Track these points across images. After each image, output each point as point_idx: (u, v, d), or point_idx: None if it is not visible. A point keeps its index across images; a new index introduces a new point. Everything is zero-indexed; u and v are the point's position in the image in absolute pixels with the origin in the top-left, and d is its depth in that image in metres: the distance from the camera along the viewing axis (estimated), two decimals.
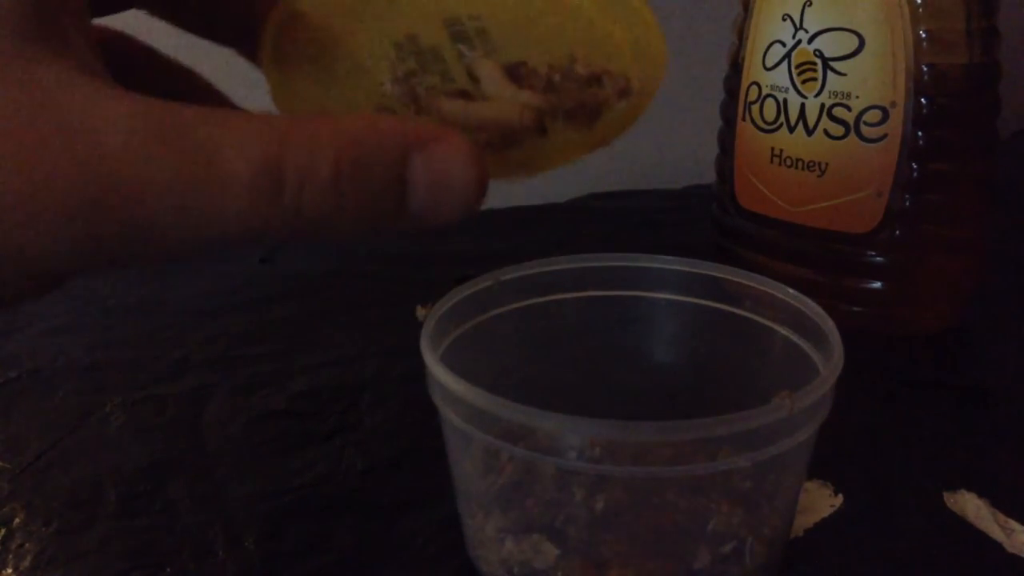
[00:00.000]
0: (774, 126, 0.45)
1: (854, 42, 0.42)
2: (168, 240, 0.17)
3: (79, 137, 0.17)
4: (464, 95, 0.23)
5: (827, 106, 0.43)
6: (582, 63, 0.24)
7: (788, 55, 0.44)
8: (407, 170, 0.18)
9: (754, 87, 0.46)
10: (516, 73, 0.24)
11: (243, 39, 0.24)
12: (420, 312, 0.47)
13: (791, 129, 0.45)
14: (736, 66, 0.48)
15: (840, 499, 0.32)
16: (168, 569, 0.29)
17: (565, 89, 0.24)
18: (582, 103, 0.24)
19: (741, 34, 0.47)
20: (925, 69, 0.41)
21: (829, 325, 0.28)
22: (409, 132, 0.18)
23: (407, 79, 0.23)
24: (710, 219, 0.53)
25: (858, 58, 0.42)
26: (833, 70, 0.43)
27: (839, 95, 0.43)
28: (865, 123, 0.42)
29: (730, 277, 0.32)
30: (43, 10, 0.18)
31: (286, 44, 0.23)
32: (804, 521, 0.31)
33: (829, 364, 0.27)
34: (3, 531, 0.31)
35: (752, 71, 0.46)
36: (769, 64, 0.45)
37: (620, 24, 0.25)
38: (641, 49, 0.25)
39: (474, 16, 0.24)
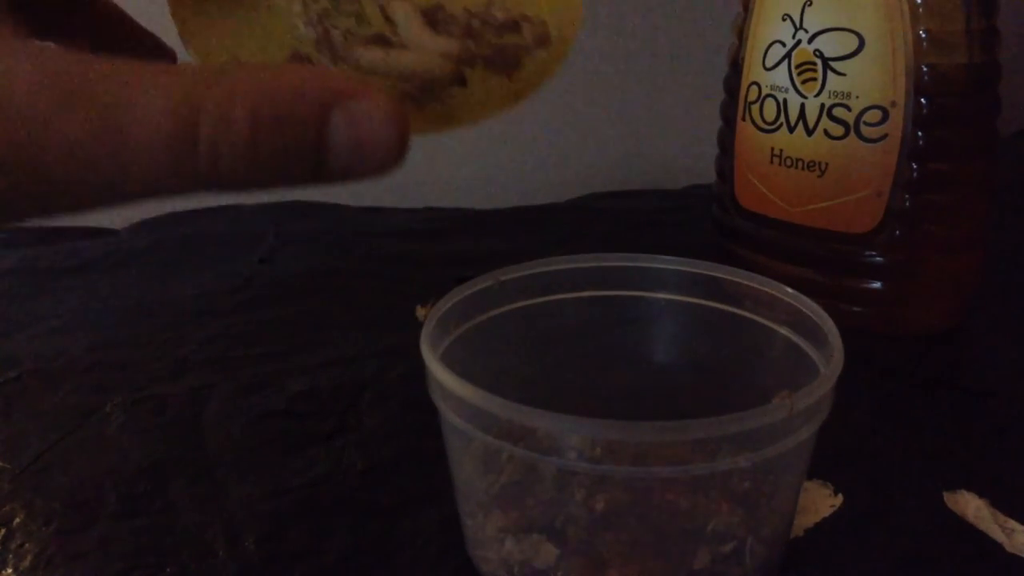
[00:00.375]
0: (774, 126, 0.45)
1: (854, 42, 0.42)
2: (79, 196, 0.17)
3: None
4: (381, 41, 0.23)
5: (827, 106, 0.43)
6: (499, 7, 0.24)
7: (788, 55, 0.44)
8: (326, 127, 0.17)
9: (754, 87, 0.46)
10: (433, 18, 0.23)
11: None
12: (420, 312, 0.47)
13: (791, 129, 0.45)
14: (736, 66, 0.48)
15: (840, 499, 0.32)
16: (168, 569, 0.29)
17: (483, 35, 0.23)
18: (501, 50, 0.23)
19: (741, 34, 0.47)
20: (925, 69, 0.41)
21: (829, 325, 0.28)
22: (329, 86, 0.17)
23: (320, 20, 0.23)
24: (710, 219, 0.53)
25: (858, 58, 0.42)
26: (833, 70, 0.43)
27: (839, 95, 0.43)
28: (865, 123, 0.42)
29: (730, 277, 0.32)
30: None
31: None
32: (804, 521, 0.31)
33: (829, 364, 0.27)
34: (3, 531, 0.31)
35: (752, 71, 0.46)
36: (769, 64, 0.45)
37: None
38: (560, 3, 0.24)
39: None
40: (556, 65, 0.24)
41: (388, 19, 0.23)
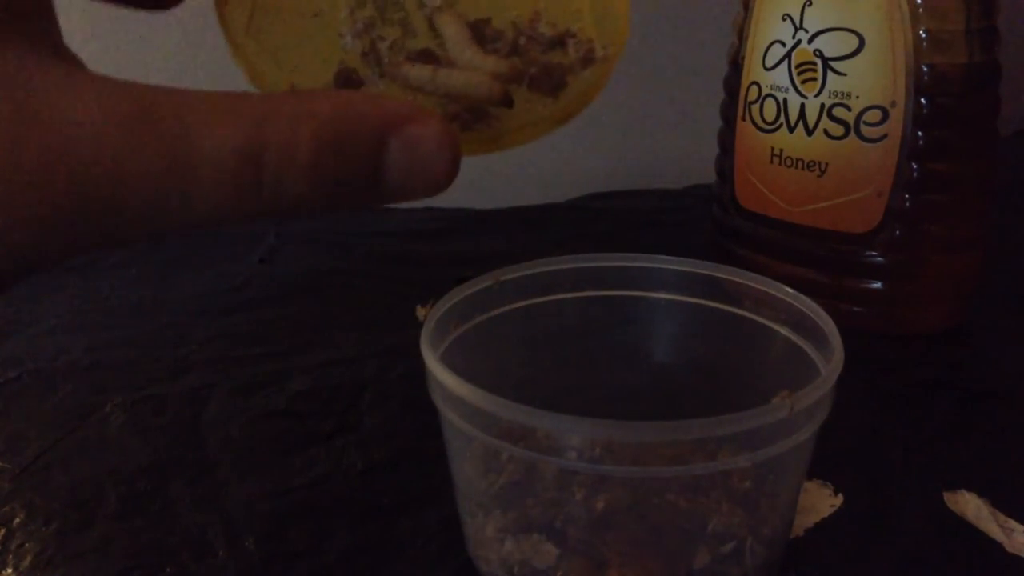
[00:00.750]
0: (774, 126, 0.45)
1: (854, 42, 0.42)
2: (144, 224, 0.17)
3: (49, 126, 0.16)
4: (429, 57, 0.23)
5: (827, 106, 0.43)
6: (546, 22, 0.24)
7: (788, 55, 0.44)
8: (384, 153, 0.18)
9: (754, 87, 0.46)
10: (480, 32, 0.23)
11: None
12: (420, 312, 0.47)
13: (791, 129, 0.45)
14: (736, 66, 0.48)
15: (840, 499, 0.32)
16: (168, 569, 0.29)
17: (529, 52, 0.23)
18: (547, 70, 0.23)
19: (741, 34, 0.47)
20: (925, 69, 0.41)
21: (829, 325, 0.28)
22: (386, 113, 0.18)
23: (367, 30, 0.23)
24: (710, 219, 0.53)
25: (858, 58, 0.42)
26: (833, 70, 0.43)
27: (839, 95, 0.43)
28: (865, 123, 0.42)
29: (730, 277, 0.32)
30: None
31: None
32: (804, 521, 0.31)
33: (829, 364, 0.27)
34: (3, 531, 0.31)
35: (752, 71, 0.46)
36: (769, 64, 0.45)
37: None
38: (604, 11, 0.24)
39: None
40: (600, 86, 0.24)
41: (435, 32, 0.23)
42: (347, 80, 0.23)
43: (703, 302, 0.33)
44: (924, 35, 0.41)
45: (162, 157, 0.16)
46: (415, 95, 0.23)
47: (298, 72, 0.23)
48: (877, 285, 0.44)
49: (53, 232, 0.16)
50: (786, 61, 0.44)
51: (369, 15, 0.23)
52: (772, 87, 0.45)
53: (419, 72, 0.23)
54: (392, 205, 0.19)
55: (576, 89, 0.24)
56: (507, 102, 0.23)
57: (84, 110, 0.16)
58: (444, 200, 0.73)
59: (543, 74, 0.23)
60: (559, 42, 0.24)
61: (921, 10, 0.41)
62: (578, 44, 0.24)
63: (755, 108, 0.46)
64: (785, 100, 0.45)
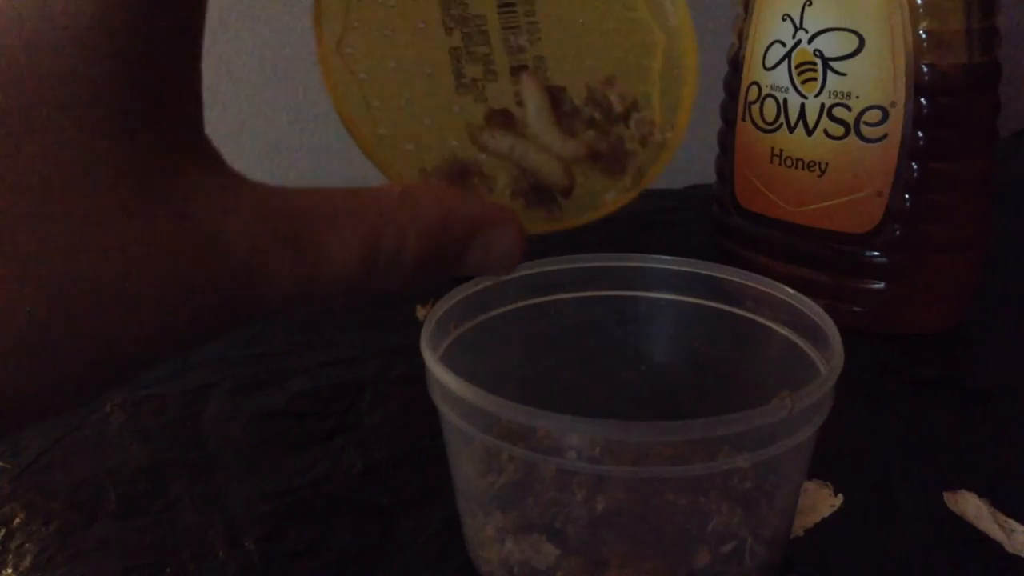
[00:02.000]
0: (774, 126, 0.45)
1: (854, 42, 0.42)
2: (272, 312, 0.19)
3: (209, 242, 0.18)
4: (509, 121, 0.24)
5: (827, 106, 0.43)
6: (618, 93, 0.25)
7: (788, 55, 0.44)
8: (468, 248, 0.21)
9: (754, 87, 0.46)
10: (557, 98, 0.24)
11: None
12: (420, 312, 0.47)
13: (791, 129, 0.45)
14: (736, 66, 0.48)
15: (840, 499, 0.32)
16: (168, 569, 0.29)
17: (601, 126, 0.25)
18: (613, 151, 0.25)
19: (741, 34, 0.47)
20: (925, 69, 0.41)
21: (829, 325, 0.28)
22: (475, 219, 0.21)
23: (456, 58, 0.24)
24: (710, 219, 0.53)
25: (858, 58, 0.42)
26: (833, 70, 0.43)
27: (839, 95, 0.43)
28: (865, 123, 0.42)
29: (730, 277, 0.32)
30: (166, 106, 0.18)
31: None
32: (804, 521, 0.31)
33: (829, 364, 0.27)
34: (3, 531, 0.31)
35: (752, 71, 0.46)
36: (769, 64, 0.45)
37: (658, 62, 0.25)
38: (672, 92, 0.25)
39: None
40: (658, 172, 0.25)
41: (516, 82, 0.24)
42: (453, 168, 0.24)
43: (703, 302, 0.33)
44: (924, 35, 0.41)
45: (299, 272, 0.19)
46: (493, 158, 0.24)
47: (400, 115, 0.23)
48: (877, 285, 0.44)
49: (195, 325, 0.18)
50: (786, 61, 0.44)
51: (455, 44, 0.23)
52: (772, 87, 0.45)
53: (499, 143, 0.24)
54: None
55: (636, 171, 0.25)
56: (569, 190, 0.25)
57: (238, 228, 0.18)
58: None
59: (609, 154, 0.25)
60: (624, 116, 0.25)
61: (921, 10, 0.41)
62: (640, 122, 0.25)
63: (755, 108, 0.46)
64: (785, 100, 0.45)
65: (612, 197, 0.25)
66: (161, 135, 0.18)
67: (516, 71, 0.24)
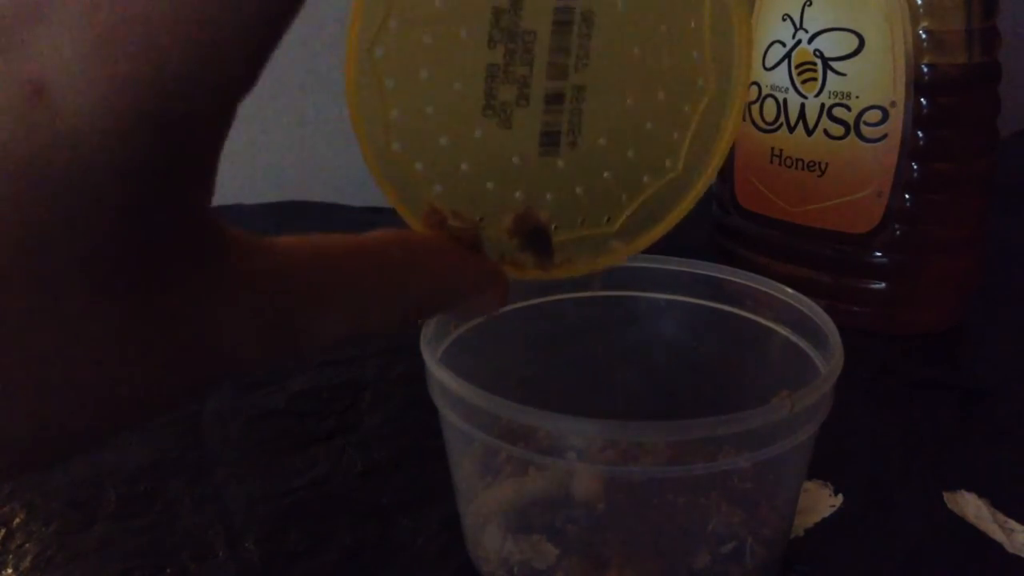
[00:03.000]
0: (774, 126, 0.45)
1: (854, 42, 0.42)
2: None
3: (196, 341, 0.17)
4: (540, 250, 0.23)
5: (827, 106, 0.43)
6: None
7: (788, 55, 0.44)
8: (459, 302, 0.22)
9: (754, 87, 0.46)
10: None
11: None
12: None
13: (791, 129, 0.45)
14: None
15: (840, 499, 0.32)
16: (168, 569, 0.29)
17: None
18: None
19: None
20: (925, 69, 0.41)
21: (829, 325, 0.28)
22: (464, 288, 0.22)
23: (491, 76, 0.22)
24: (710, 219, 0.53)
25: (858, 58, 0.42)
26: (833, 70, 0.43)
27: (839, 95, 0.43)
28: (865, 123, 0.42)
29: (730, 277, 0.32)
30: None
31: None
32: (804, 521, 0.31)
33: (829, 364, 0.27)
34: (3, 531, 0.31)
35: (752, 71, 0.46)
36: (769, 64, 0.45)
37: (699, 111, 0.24)
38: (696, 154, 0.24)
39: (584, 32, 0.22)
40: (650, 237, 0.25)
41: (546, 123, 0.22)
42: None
43: (703, 302, 0.33)
44: (924, 35, 0.41)
45: (279, 350, 0.19)
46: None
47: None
48: (877, 285, 0.44)
49: (158, 397, 0.18)
50: (786, 61, 0.44)
51: (495, 60, 0.22)
52: (772, 87, 0.45)
53: (525, 259, 0.23)
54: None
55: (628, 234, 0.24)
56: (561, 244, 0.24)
57: (225, 332, 0.18)
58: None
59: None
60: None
61: (921, 10, 0.41)
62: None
63: (755, 108, 0.46)
64: (785, 100, 0.45)
65: (604, 258, 0.24)
66: (165, 258, 0.16)
67: (552, 100, 0.22)
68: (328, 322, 0.19)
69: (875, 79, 0.42)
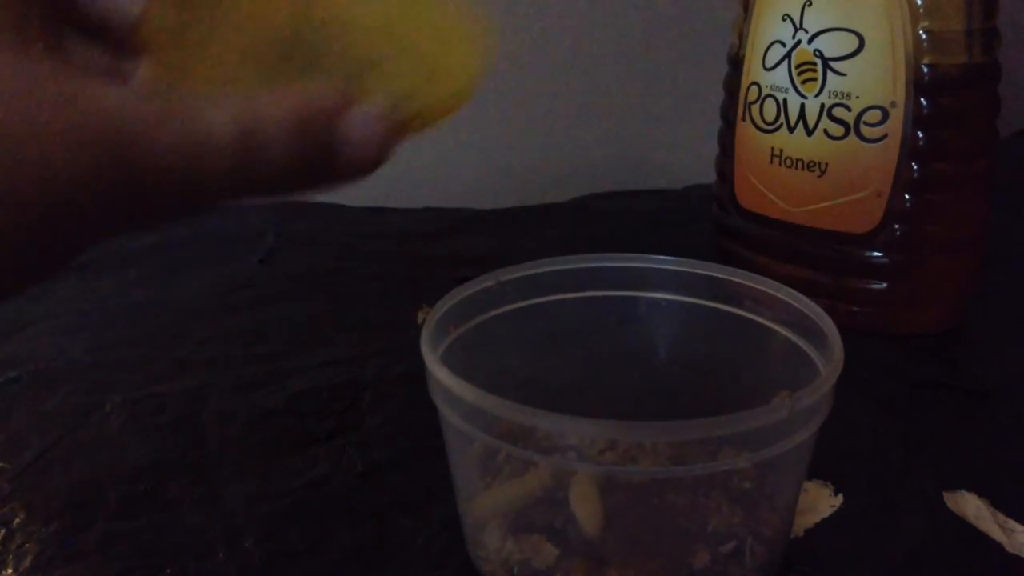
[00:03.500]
0: (774, 126, 0.45)
1: (854, 42, 0.42)
2: (173, 195, 0.22)
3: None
4: None
5: (827, 106, 0.43)
6: None
7: (788, 55, 0.44)
8: (337, 124, 0.23)
9: (754, 87, 0.46)
10: None
11: None
12: (420, 315, 0.47)
13: (791, 129, 0.45)
14: (736, 66, 0.48)
15: (840, 499, 0.32)
16: (168, 569, 0.29)
17: None
18: None
19: (741, 34, 0.47)
20: (925, 69, 0.41)
21: (829, 325, 0.28)
22: (336, 99, 0.23)
23: None
24: (710, 219, 0.53)
25: (858, 58, 0.42)
26: (833, 70, 0.43)
27: (839, 95, 0.43)
28: (865, 123, 0.42)
29: (730, 277, 0.32)
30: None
31: None
32: (804, 521, 0.31)
33: (829, 364, 0.27)
34: (3, 531, 0.31)
35: (752, 71, 0.46)
36: (769, 64, 0.45)
37: None
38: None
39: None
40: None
41: None
42: None
43: (703, 302, 0.33)
44: (924, 35, 0.41)
45: (179, 134, 0.21)
46: None
47: None
48: (877, 285, 0.44)
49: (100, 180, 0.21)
50: (786, 61, 0.44)
51: None
52: (772, 87, 0.45)
53: None
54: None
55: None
56: None
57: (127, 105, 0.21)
58: (444, 200, 0.73)
59: None
60: None
61: (921, 10, 0.41)
62: None
63: (755, 108, 0.46)
64: (785, 100, 0.45)
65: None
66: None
67: None
68: (217, 111, 0.22)
69: (875, 79, 0.42)
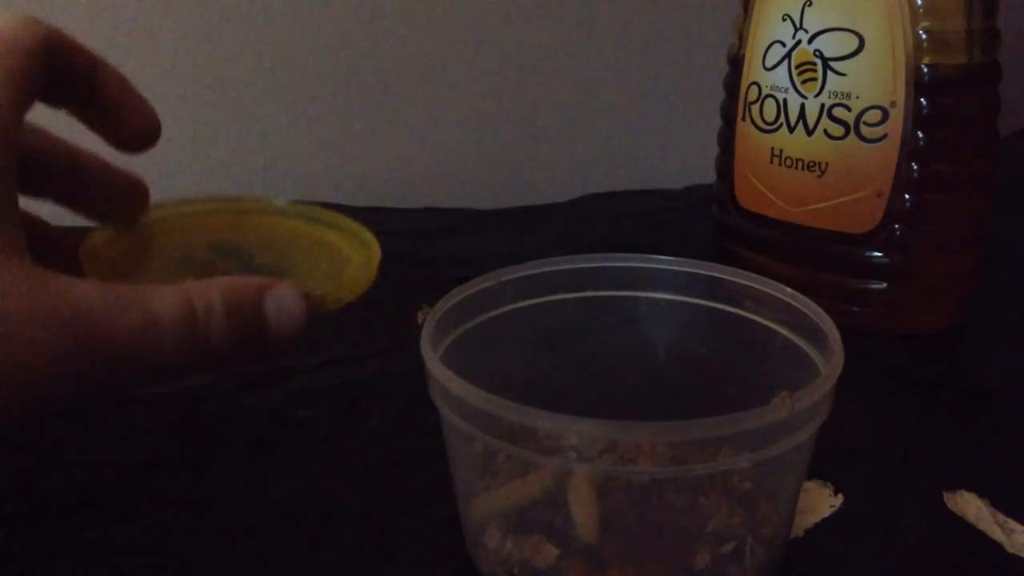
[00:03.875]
0: (774, 126, 0.45)
1: (854, 42, 0.42)
2: (129, 374, 0.25)
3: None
4: None
5: (827, 106, 0.43)
6: None
7: (788, 55, 0.44)
8: (264, 303, 0.28)
9: (754, 87, 0.46)
10: None
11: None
12: (420, 315, 0.47)
13: (791, 129, 0.45)
14: (736, 66, 0.48)
15: (840, 499, 0.32)
16: (168, 569, 0.29)
17: None
18: None
19: (741, 34, 0.47)
20: (925, 69, 0.41)
21: (829, 325, 0.28)
22: (258, 282, 0.28)
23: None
24: (710, 219, 0.53)
25: (858, 58, 0.42)
26: (833, 70, 0.43)
27: (839, 95, 0.43)
28: (865, 123, 0.42)
29: (730, 277, 0.32)
30: None
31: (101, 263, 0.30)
32: (804, 521, 0.31)
33: (829, 364, 0.27)
34: (3, 531, 0.31)
35: (752, 71, 0.46)
36: (769, 64, 0.45)
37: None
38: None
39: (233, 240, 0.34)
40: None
41: None
42: None
43: (703, 302, 0.33)
44: (924, 35, 0.41)
45: (134, 324, 0.25)
46: None
47: None
48: (877, 285, 0.44)
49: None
50: (786, 61, 0.44)
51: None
52: (772, 87, 0.45)
53: None
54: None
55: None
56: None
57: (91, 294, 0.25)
58: (444, 200, 0.72)
59: None
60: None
61: (921, 10, 0.41)
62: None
63: (755, 108, 0.46)
64: (785, 100, 0.45)
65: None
66: None
67: None
68: (162, 296, 0.26)
69: (875, 79, 0.42)
